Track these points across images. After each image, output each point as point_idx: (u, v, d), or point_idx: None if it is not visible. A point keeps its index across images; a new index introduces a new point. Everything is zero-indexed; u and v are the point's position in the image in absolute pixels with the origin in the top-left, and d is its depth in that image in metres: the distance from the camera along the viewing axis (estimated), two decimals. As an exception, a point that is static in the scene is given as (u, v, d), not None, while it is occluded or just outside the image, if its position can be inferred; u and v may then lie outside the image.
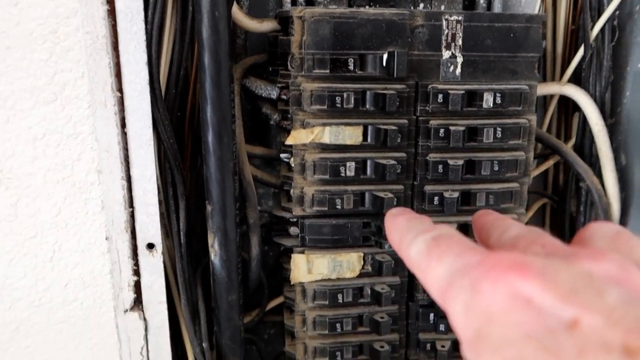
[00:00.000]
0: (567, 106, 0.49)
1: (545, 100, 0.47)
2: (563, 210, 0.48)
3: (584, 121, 0.44)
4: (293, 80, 0.36)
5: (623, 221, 0.46)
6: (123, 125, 0.34)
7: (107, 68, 0.32)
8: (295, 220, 0.40)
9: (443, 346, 0.42)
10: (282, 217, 0.41)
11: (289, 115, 0.37)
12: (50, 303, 0.36)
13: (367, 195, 0.38)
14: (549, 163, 0.46)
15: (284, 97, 0.39)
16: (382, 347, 0.41)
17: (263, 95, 0.40)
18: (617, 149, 0.45)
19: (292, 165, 0.39)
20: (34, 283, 0.35)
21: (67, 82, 0.32)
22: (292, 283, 0.40)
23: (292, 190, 0.39)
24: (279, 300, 0.47)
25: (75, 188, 0.34)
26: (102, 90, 0.33)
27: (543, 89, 0.44)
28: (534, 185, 0.51)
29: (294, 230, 0.41)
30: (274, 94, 0.40)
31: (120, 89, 0.33)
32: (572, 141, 0.46)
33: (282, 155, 0.41)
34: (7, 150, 0.33)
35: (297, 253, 0.39)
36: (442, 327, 0.42)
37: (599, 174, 0.44)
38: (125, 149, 0.34)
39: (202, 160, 0.39)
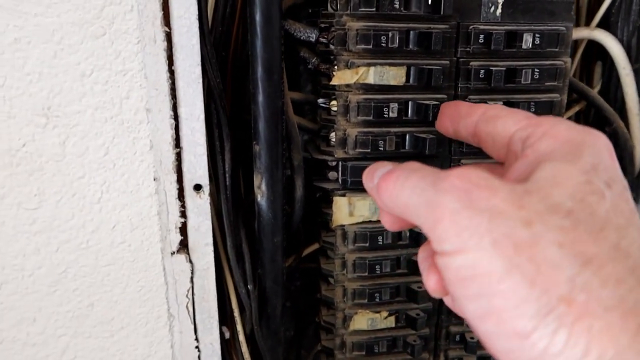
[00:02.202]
0: (590, 55, 0.50)
1: (573, 46, 0.48)
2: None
3: (610, 67, 0.45)
4: (338, 20, 0.36)
5: (644, 166, 0.48)
6: (170, 62, 0.33)
7: (157, 1, 0.32)
8: (334, 164, 0.40)
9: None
10: (321, 161, 0.41)
11: (332, 57, 0.37)
12: (98, 245, 0.36)
13: (408, 136, 0.39)
14: (575, 109, 0.47)
15: (323, 39, 0.39)
16: (419, 287, 0.42)
17: (302, 38, 0.40)
18: (640, 95, 0.46)
19: (332, 109, 0.39)
20: (82, 225, 0.35)
21: (116, 16, 0.31)
22: (333, 226, 0.40)
23: (333, 133, 0.39)
24: (311, 248, 0.48)
25: (124, 127, 0.34)
26: (151, 24, 0.32)
27: (573, 34, 0.44)
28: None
29: (332, 174, 0.41)
30: (312, 37, 0.40)
31: (168, 24, 0.33)
32: (597, 88, 0.47)
33: (320, 100, 0.41)
34: (55, 87, 0.32)
35: (338, 196, 0.40)
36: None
37: (623, 120, 0.46)
38: (173, 87, 0.34)
39: (242, 104, 0.39)
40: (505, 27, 0.38)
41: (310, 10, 0.40)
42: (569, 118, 0.52)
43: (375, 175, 0.27)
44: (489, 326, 0.20)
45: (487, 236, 0.19)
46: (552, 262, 0.18)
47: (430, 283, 0.25)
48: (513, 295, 0.19)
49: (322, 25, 0.38)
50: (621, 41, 0.44)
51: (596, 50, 0.48)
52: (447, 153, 0.40)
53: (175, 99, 0.34)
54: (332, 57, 0.37)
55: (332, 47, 0.37)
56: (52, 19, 0.31)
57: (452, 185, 0.21)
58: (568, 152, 0.22)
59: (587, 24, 0.46)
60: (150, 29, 0.32)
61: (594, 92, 0.45)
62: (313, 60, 0.40)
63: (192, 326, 0.39)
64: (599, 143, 0.22)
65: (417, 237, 0.41)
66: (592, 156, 0.21)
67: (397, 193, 0.24)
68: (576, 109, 0.48)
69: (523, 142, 0.24)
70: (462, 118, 0.29)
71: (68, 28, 0.31)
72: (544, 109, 0.40)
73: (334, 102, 0.39)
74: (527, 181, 0.21)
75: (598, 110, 0.45)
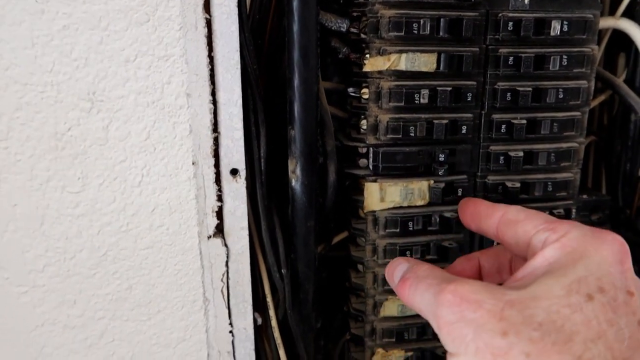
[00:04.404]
0: (614, 45, 0.50)
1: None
2: (609, 147, 0.50)
3: (635, 57, 0.46)
4: (371, 8, 0.37)
5: (669, 155, 0.48)
6: (210, 48, 0.34)
7: (199, -11, 0.33)
8: (365, 151, 0.41)
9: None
10: (350, 149, 0.42)
11: (364, 45, 0.38)
12: (137, 228, 0.36)
13: (437, 122, 0.40)
14: (600, 99, 0.48)
15: (353, 29, 0.40)
16: (449, 273, 0.42)
17: (333, 28, 0.41)
18: (665, 84, 0.47)
19: (363, 97, 0.40)
20: (122, 208, 0.36)
21: (160, 3, 0.33)
22: (365, 212, 0.41)
23: (364, 121, 0.40)
24: (340, 237, 0.48)
25: (165, 112, 0.35)
26: (193, 11, 0.33)
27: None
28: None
29: (362, 161, 0.41)
30: (344, 27, 0.41)
31: (208, 11, 0.34)
32: (622, 78, 0.47)
33: (350, 89, 0.42)
34: (100, 72, 0.33)
35: (370, 182, 0.40)
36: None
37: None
38: (212, 73, 0.35)
39: (274, 90, 0.40)
40: (534, 15, 0.39)
41: (341, 1, 0.41)
42: (594, 108, 0.52)
43: (394, 276, 0.32)
44: None
45: (472, 345, 0.24)
46: None
47: None
48: None
49: (354, 14, 0.39)
50: (646, 30, 0.44)
51: (620, 41, 0.49)
52: (477, 139, 0.41)
53: (214, 84, 0.35)
54: (364, 45, 0.38)
55: (363, 35, 0.38)
56: (99, 6, 0.32)
57: (447, 299, 0.26)
58: (563, 266, 0.25)
59: (612, 13, 0.47)
60: (192, 16, 0.33)
61: (620, 80, 0.45)
62: (344, 50, 0.41)
63: (227, 310, 0.40)
64: (603, 252, 0.26)
65: (447, 223, 0.41)
66: (585, 268, 0.25)
67: (411, 300, 0.30)
68: (601, 98, 0.48)
69: (542, 244, 0.27)
70: (482, 219, 0.33)
71: (114, 15, 0.32)
72: (572, 95, 0.40)
73: (365, 90, 0.39)
74: (519, 290, 0.25)
75: (623, 100, 0.45)
